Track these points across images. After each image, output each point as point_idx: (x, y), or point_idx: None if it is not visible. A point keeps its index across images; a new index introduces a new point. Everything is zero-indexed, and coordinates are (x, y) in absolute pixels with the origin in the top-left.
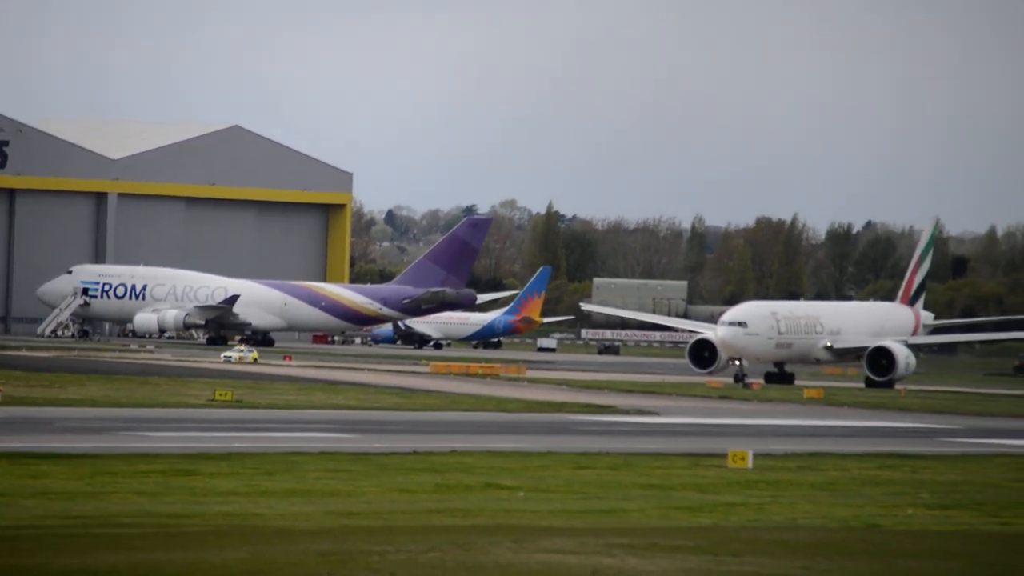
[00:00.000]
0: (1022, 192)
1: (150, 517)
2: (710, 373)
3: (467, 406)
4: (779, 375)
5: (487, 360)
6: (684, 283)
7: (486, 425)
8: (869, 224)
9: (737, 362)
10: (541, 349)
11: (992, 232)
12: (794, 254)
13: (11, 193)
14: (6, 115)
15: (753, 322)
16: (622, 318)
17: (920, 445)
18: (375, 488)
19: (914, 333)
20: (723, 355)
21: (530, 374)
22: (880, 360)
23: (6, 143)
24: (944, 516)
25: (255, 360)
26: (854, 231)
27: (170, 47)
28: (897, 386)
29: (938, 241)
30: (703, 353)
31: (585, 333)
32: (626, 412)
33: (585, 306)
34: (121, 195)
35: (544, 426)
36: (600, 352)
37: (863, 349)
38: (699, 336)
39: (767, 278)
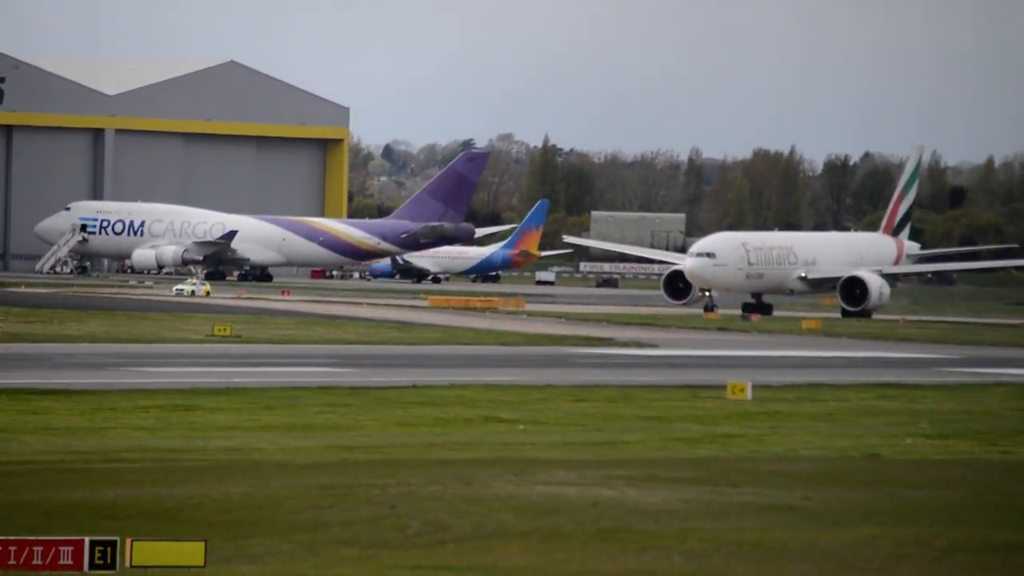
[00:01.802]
0: (1020, 122)
1: (150, 452)
2: (684, 304)
3: (466, 340)
4: (756, 306)
5: (485, 294)
6: (682, 216)
7: (485, 359)
8: (867, 155)
9: (707, 293)
10: (539, 282)
11: (990, 162)
12: (792, 186)
13: (8, 130)
14: (2, 52)
15: (722, 253)
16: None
17: (919, 375)
18: (375, 422)
19: (896, 263)
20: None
21: (529, 307)
22: (854, 290)
23: (2, 80)
24: (943, 445)
25: (208, 293)
26: (851, 162)
27: None
28: (895, 317)
29: (935, 171)
30: (678, 284)
31: (583, 266)
32: (624, 344)
33: (568, 239)
34: (118, 131)
35: (543, 359)
36: (598, 285)
37: (838, 279)
38: (673, 268)
39: (765, 210)
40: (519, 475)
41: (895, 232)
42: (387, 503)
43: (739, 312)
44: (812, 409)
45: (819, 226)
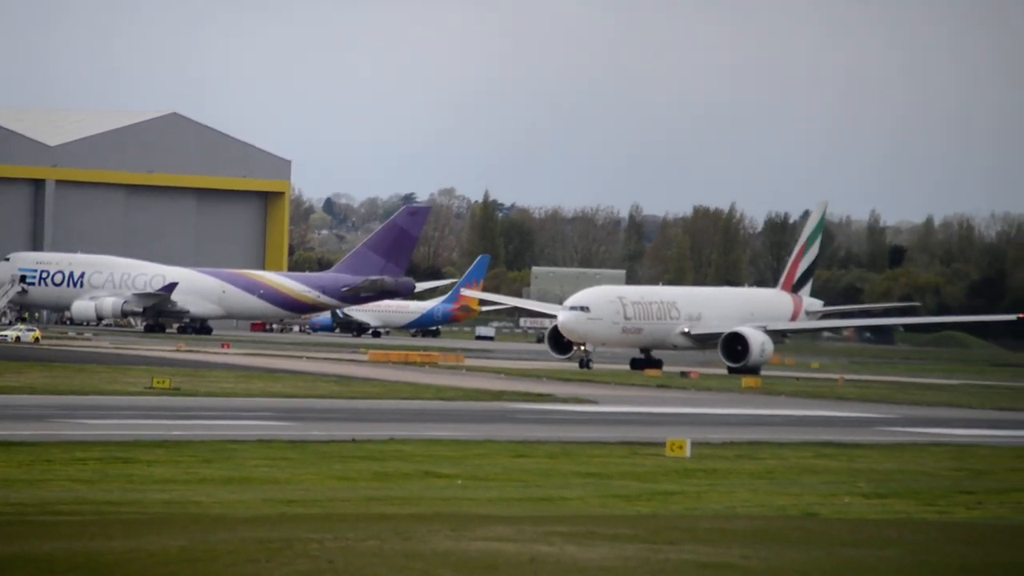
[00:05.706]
0: (959, 182)
1: (88, 504)
2: (568, 359)
3: (405, 394)
4: (645, 361)
5: (425, 348)
6: (623, 272)
7: (424, 413)
8: (806, 213)
9: (582, 347)
10: (479, 337)
11: (929, 222)
12: (732, 243)
13: None
14: None
15: (596, 306)
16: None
17: (857, 434)
18: (313, 476)
19: (794, 319)
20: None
21: (468, 362)
22: (735, 346)
23: None
24: (881, 504)
25: (36, 340)
26: (791, 220)
27: (104, 34)
28: (834, 376)
29: (875, 231)
30: (562, 339)
31: (524, 322)
32: (564, 401)
33: (466, 292)
34: (59, 182)
35: (482, 414)
36: (538, 340)
37: (721, 335)
38: (557, 321)
39: (705, 267)
40: (457, 530)
41: (795, 288)
42: (325, 558)
43: (626, 367)
44: (751, 467)
45: (759, 283)
